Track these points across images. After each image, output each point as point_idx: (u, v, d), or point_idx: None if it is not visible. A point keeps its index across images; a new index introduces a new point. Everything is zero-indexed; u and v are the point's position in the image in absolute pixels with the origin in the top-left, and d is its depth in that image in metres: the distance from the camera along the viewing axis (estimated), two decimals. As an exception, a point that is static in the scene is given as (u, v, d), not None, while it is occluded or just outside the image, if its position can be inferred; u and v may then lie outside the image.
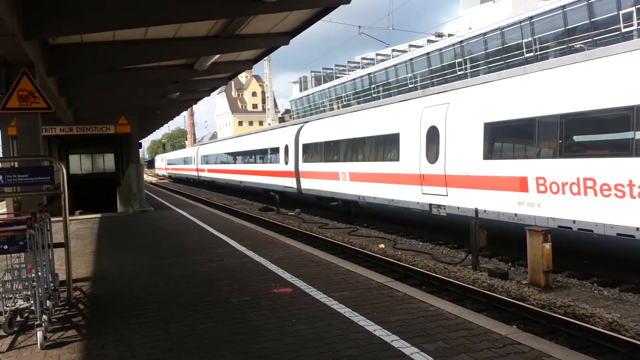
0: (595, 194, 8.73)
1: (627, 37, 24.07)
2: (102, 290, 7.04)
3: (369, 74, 49.43)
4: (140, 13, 6.95)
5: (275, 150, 24.21)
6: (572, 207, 9.18)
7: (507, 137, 11.02)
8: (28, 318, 5.75)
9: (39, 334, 4.85)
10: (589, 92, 9.06)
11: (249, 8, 7.34)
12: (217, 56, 11.05)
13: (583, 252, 9.87)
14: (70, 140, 20.50)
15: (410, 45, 50.98)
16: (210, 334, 5.00)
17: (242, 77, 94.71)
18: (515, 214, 10.34)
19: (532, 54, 30.09)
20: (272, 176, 24.43)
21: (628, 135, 8.32)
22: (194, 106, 73.97)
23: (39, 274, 5.30)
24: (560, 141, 9.46)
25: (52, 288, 6.09)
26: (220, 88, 20.94)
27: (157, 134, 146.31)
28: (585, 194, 8.90)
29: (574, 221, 9.17)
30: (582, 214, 9.02)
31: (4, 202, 19.03)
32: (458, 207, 11.92)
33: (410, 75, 42.50)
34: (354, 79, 52.59)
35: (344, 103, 52.64)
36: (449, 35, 40.12)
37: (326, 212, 19.88)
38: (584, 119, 9.16)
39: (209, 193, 37.02)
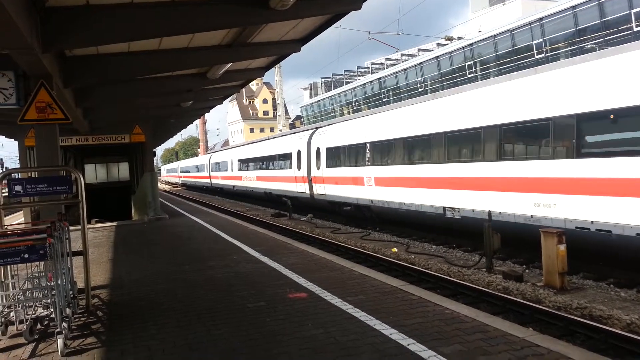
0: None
1: (640, 36, 23.85)
2: (120, 297, 7.13)
3: (379, 78, 49.43)
4: (156, 23, 7.07)
5: (203, 165, 49.56)
6: (254, 184, 30.63)
7: (246, 164, 32.76)
8: (48, 326, 5.83)
9: (60, 341, 4.93)
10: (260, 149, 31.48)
11: (261, 16, 7.44)
12: (230, 64, 11.17)
13: (274, 200, 27.18)
14: (85, 150, 20.78)
15: (420, 49, 50.94)
16: (227, 340, 5.05)
17: (253, 84, 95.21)
18: (250, 187, 31.78)
19: (542, 55, 29.91)
20: (203, 179, 49.17)
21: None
22: (206, 114, 74.71)
23: (59, 282, 5.39)
24: (252, 166, 31.49)
25: (71, 296, 6.18)
26: (231, 96, 21.12)
27: (170, 142, 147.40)
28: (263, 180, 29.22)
29: (253, 187, 31.00)
30: (256, 185, 30.39)
31: (21, 212, 19.32)
32: (241, 187, 33.58)
33: (420, 79, 42.45)
34: (364, 84, 52.64)
35: (355, 108, 52.68)
36: (459, 38, 40.06)
37: (338, 217, 19.97)
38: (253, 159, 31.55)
39: (221, 200, 37.44)
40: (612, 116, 8.81)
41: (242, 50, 10.00)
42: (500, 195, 11.20)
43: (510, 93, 11.51)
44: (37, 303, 5.87)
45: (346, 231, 17.49)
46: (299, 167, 22.81)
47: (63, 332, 5.02)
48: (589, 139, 9.39)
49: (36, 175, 8.24)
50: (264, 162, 28.57)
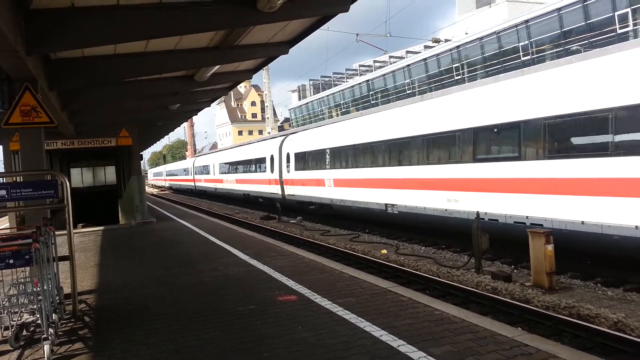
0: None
1: (623, 38, 24.18)
2: (108, 302, 7.06)
3: (367, 80, 49.55)
4: (142, 26, 7.02)
5: (187, 169, 53.31)
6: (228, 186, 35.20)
7: (226, 168, 35.24)
8: (34, 332, 5.75)
9: (46, 347, 4.86)
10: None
11: (249, 19, 7.41)
12: (217, 67, 11.13)
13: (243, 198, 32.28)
14: (71, 153, 20.55)
15: (408, 52, 51.14)
16: (217, 343, 5.02)
17: (241, 87, 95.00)
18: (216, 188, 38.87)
19: (528, 57, 30.20)
20: (188, 182, 52.23)
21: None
22: (194, 117, 74.79)
23: (45, 287, 5.32)
24: (231, 169, 34.65)
25: (58, 301, 6.10)
26: (219, 98, 21.11)
27: (158, 146, 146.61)
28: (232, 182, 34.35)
29: (232, 189, 33.69)
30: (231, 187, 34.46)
31: (6, 216, 19.05)
32: (223, 189, 36.39)
33: (408, 81, 42.63)
34: (352, 86, 52.73)
35: (343, 110, 52.76)
36: (446, 40, 40.30)
37: (327, 220, 19.99)
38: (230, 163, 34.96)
39: (210, 203, 37.23)
40: (495, 130, 11.24)
41: (230, 52, 9.96)
42: (425, 193, 13.51)
43: (431, 110, 14.04)
44: (23, 309, 5.78)
45: (335, 233, 17.48)
46: (272, 170, 25.22)
47: (49, 338, 4.95)
48: (480, 146, 11.67)
49: (21, 180, 8.12)
50: (243, 165, 31.24)
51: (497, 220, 11.09)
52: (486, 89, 12.47)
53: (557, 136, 9.88)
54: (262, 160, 26.95)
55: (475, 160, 11.70)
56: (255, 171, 28.18)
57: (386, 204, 15.30)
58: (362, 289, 6.85)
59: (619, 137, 8.64)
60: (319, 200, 19.95)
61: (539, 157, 10.11)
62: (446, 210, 12.64)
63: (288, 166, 23.08)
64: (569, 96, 9.55)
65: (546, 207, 9.97)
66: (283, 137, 25.75)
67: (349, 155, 17.76)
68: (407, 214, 14.39)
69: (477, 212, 11.00)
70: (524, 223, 10.31)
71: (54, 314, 5.58)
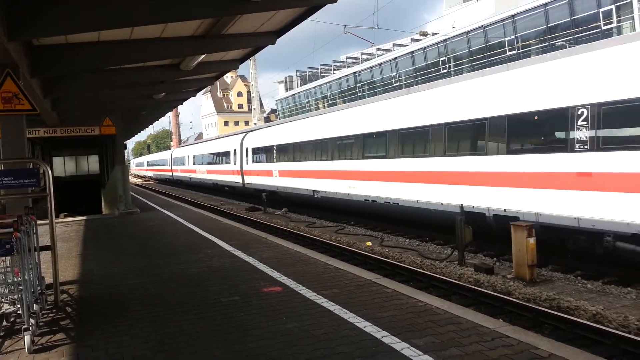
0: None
1: (607, 34, 24.45)
2: (90, 292, 6.99)
3: (354, 73, 49.49)
4: (127, 13, 6.90)
5: (165, 160, 56.56)
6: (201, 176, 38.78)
7: (199, 159, 38.67)
8: (15, 322, 5.68)
9: (27, 338, 4.81)
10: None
11: (236, 7, 7.33)
12: (203, 56, 11.00)
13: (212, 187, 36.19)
14: (53, 142, 20.26)
15: (395, 44, 51.11)
16: (200, 334, 5.01)
17: (228, 77, 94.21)
18: (191, 177, 42.25)
19: (514, 52, 30.41)
20: (166, 172, 54.85)
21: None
22: (179, 107, 74.19)
23: (26, 277, 5.25)
24: (205, 162, 37.13)
25: (39, 291, 6.02)
26: (205, 88, 21.00)
27: (142, 135, 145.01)
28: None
29: (204, 178, 37.11)
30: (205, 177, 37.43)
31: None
32: (196, 178, 39.98)
33: (395, 73, 42.68)
34: (339, 78, 52.61)
35: (330, 102, 52.67)
36: (433, 34, 40.37)
37: (313, 211, 20.03)
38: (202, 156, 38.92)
39: (194, 194, 37.06)
40: (374, 136, 15.48)
41: (216, 41, 9.84)
42: (336, 182, 17.47)
43: (340, 118, 18.34)
44: (3, 299, 5.72)
45: (321, 225, 17.52)
46: (235, 163, 29.03)
47: (30, 328, 4.90)
48: (367, 148, 15.82)
49: (2, 168, 7.98)
50: (212, 157, 35.14)
51: (375, 201, 15.08)
52: (370, 106, 17.46)
53: (403, 142, 14.11)
54: (227, 154, 30.78)
55: (364, 157, 15.75)
56: (223, 163, 31.98)
57: (313, 191, 19.23)
58: (347, 280, 6.88)
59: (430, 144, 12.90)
60: (269, 188, 23.70)
61: (396, 156, 14.19)
62: (348, 194, 16.63)
63: (247, 159, 26.93)
64: (407, 117, 14.02)
65: (398, 191, 14.02)
66: (244, 133, 29.92)
67: (288, 151, 21.77)
68: (327, 198, 18.28)
69: (462, 204, 11.11)
70: (389, 202, 14.37)
71: (35, 304, 5.52)
